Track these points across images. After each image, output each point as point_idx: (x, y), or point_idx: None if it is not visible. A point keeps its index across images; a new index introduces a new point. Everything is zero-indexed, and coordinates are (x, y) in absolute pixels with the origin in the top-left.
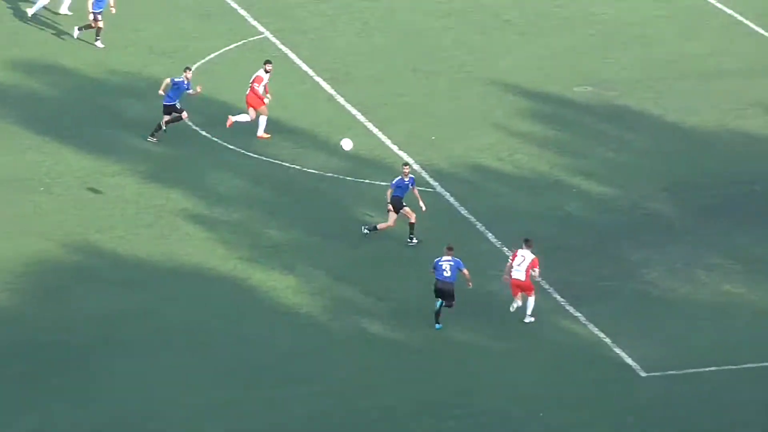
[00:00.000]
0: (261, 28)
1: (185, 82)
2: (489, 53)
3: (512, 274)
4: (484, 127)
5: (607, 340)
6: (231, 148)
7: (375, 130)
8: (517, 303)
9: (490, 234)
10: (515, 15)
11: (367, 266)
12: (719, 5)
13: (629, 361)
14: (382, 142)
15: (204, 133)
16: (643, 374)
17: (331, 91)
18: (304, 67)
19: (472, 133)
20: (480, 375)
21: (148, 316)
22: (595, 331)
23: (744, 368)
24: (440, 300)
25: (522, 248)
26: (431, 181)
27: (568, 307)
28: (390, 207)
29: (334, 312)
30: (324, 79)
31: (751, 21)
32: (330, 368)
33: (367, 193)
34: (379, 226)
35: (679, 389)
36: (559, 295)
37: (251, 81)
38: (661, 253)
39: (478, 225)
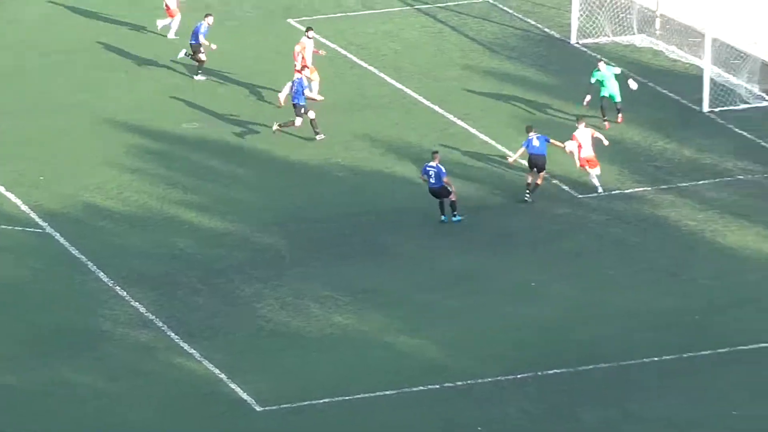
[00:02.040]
0: None
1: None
2: (98, 91)
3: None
4: (94, 165)
5: (223, 376)
6: None
7: None
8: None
9: (101, 273)
10: (123, 53)
11: None
12: (322, 39)
13: (244, 395)
14: None
15: None
16: (258, 408)
17: None
18: None
19: (82, 171)
20: (97, 416)
21: None
22: (210, 367)
23: (356, 399)
24: (438, 199)
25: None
26: (40, 221)
27: (182, 344)
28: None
29: None
30: None
31: (353, 54)
32: None
33: None
34: None
35: (294, 421)
36: (173, 332)
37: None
38: (273, 287)
39: (90, 264)
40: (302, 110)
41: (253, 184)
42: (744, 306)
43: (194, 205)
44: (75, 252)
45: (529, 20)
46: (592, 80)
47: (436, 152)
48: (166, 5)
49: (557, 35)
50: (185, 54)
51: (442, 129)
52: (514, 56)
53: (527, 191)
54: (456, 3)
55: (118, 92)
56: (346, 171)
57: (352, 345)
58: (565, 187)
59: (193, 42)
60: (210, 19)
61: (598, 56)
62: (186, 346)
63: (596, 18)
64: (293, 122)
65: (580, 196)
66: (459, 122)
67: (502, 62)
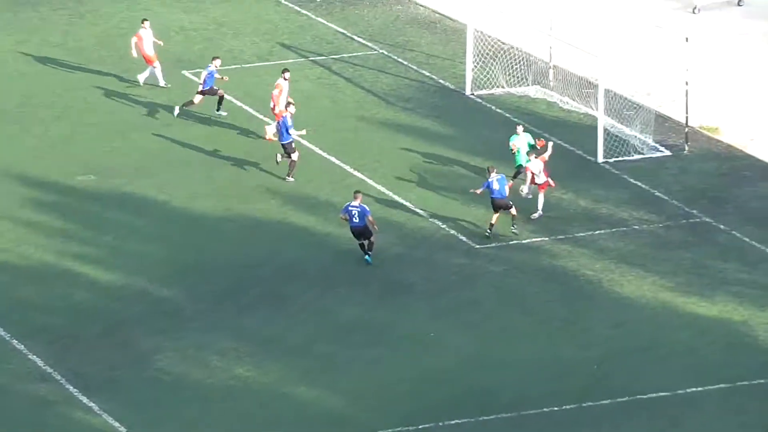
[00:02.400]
0: None
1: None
2: None
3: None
4: None
5: (123, 429)
6: None
7: None
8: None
9: (1, 330)
10: (11, 105)
11: None
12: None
13: None
14: None
15: None
16: None
17: None
18: None
19: None
20: None
21: None
22: (110, 420)
23: None
24: (359, 240)
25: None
26: None
27: (81, 398)
28: None
29: None
30: None
31: (249, 106)
32: None
33: None
34: None
35: None
36: (72, 385)
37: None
38: (173, 339)
39: None
40: (292, 146)
41: (151, 236)
42: (642, 354)
43: (92, 258)
44: None
45: (423, 71)
46: (510, 144)
47: (358, 192)
48: (144, 55)
49: (452, 86)
50: (179, 111)
51: (338, 180)
52: (410, 107)
53: (489, 229)
54: (351, 54)
55: (10, 144)
56: (245, 222)
57: (254, 396)
58: (463, 237)
59: (207, 87)
60: (218, 62)
61: (494, 107)
62: (85, 400)
63: (490, 69)
64: (292, 160)
65: (477, 246)
66: (355, 173)
67: (398, 113)
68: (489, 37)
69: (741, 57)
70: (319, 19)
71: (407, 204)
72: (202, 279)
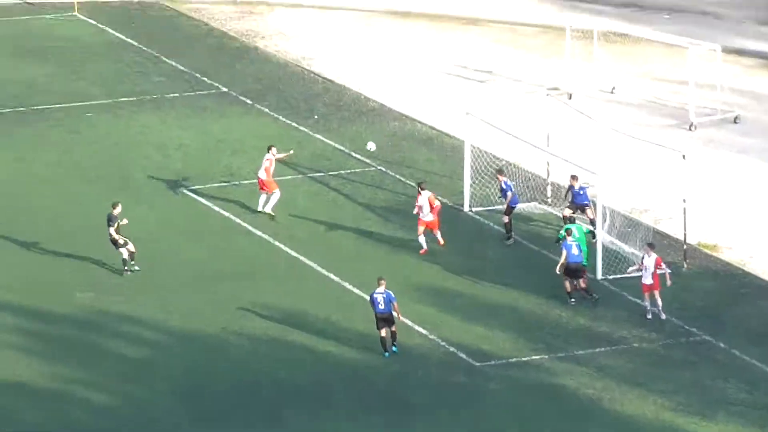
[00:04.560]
0: None
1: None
2: None
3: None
4: None
5: None
6: None
7: None
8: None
9: None
10: (7, 223)
11: None
12: (216, 207)
13: None
14: None
15: None
16: None
17: None
18: None
19: None
20: None
21: None
22: None
23: None
24: (384, 328)
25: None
26: None
27: None
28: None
29: None
30: None
31: (247, 223)
32: None
33: None
34: None
35: None
36: None
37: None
38: None
39: None
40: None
41: (147, 356)
42: None
43: (87, 377)
44: None
45: None
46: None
47: (382, 278)
48: (261, 181)
49: (450, 203)
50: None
51: (337, 297)
52: (408, 224)
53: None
54: (349, 171)
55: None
56: (244, 339)
57: None
58: (462, 355)
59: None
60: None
61: (492, 224)
62: None
63: (488, 187)
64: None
65: (477, 363)
66: (354, 290)
67: (396, 230)
68: (486, 153)
69: (738, 174)
70: (317, 135)
71: (407, 322)
72: (201, 398)
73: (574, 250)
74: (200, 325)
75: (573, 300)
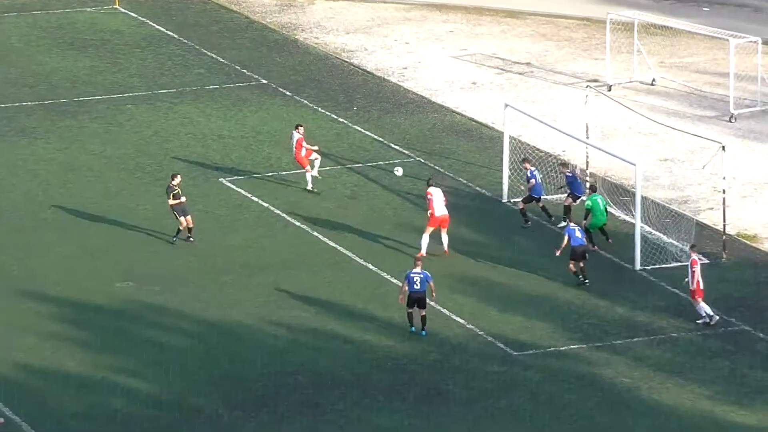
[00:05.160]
0: None
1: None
2: (26, 252)
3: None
4: (24, 329)
5: None
6: None
7: None
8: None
9: None
10: (50, 213)
11: None
12: (254, 198)
13: None
14: None
15: None
16: None
17: None
18: None
19: (12, 336)
20: None
21: None
22: None
23: None
24: (413, 308)
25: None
26: None
27: None
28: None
29: None
30: None
31: (286, 213)
32: None
33: None
34: None
35: None
36: None
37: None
38: None
39: (24, 426)
40: None
41: (186, 345)
42: None
43: (126, 368)
44: (8, 412)
45: (460, 179)
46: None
47: (419, 258)
48: (298, 160)
49: (488, 194)
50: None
51: (375, 287)
52: None
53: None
54: (387, 162)
55: (43, 253)
56: (282, 329)
57: None
58: (500, 345)
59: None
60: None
61: (530, 214)
62: None
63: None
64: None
65: (514, 353)
66: (393, 280)
67: None
68: (526, 144)
69: None
70: (356, 126)
71: (444, 311)
72: (239, 387)
73: (578, 234)
74: (238, 315)
75: (587, 281)
